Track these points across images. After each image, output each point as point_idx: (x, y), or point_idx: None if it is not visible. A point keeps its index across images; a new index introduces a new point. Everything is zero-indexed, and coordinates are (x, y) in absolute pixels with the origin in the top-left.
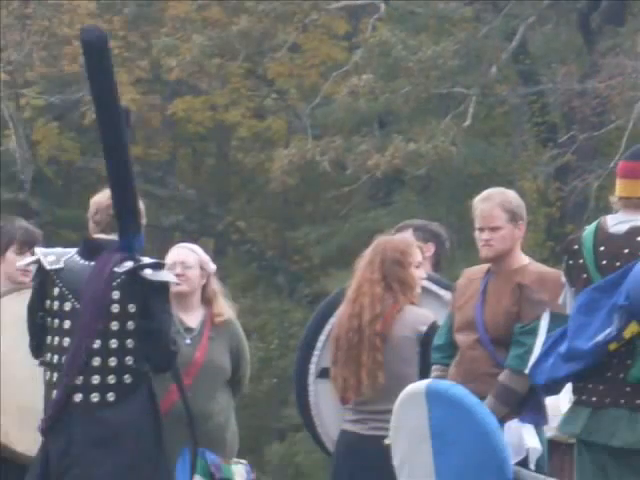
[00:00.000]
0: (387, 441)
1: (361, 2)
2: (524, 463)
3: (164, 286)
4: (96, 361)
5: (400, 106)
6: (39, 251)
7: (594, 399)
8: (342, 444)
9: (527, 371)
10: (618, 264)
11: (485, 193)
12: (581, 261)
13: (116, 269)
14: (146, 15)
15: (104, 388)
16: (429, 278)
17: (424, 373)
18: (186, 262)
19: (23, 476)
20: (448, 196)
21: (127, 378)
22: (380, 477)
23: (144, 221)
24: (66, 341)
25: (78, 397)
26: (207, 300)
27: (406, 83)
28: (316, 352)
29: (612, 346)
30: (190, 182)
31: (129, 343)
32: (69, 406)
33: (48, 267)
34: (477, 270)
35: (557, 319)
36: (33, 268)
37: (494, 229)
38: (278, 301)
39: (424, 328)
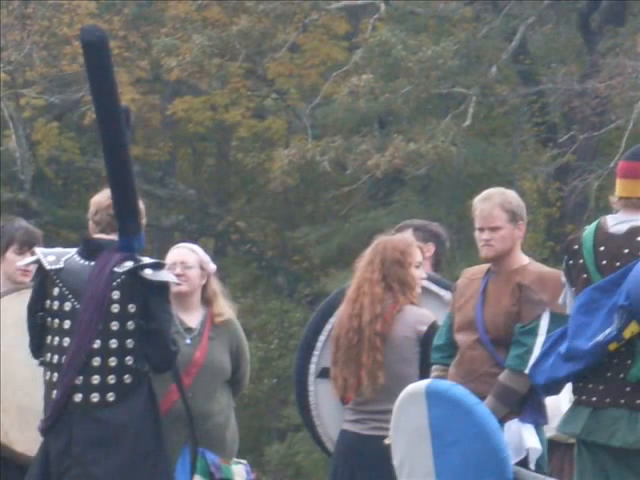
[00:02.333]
0: (387, 441)
1: (361, 2)
2: (524, 463)
3: (164, 286)
4: (96, 361)
5: (400, 106)
6: (39, 251)
7: (594, 399)
8: (342, 444)
9: (527, 371)
10: (618, 264)
11: (485, 193)
12: (581, 261)
13: (116, 269)
14: (146, 15)
15: (104, 388)
16: (429, 278)
17: (424, 373)
18: (186, 262)
19: (23, 476)
20: (448, 196)
21: (127, 378)
22: (380, 477)
23: (144, 221)
24: (66, 341)
25: (78, 397)
26: (207, 300)
27: (406, 83)
28: (316, 352)
29: (612, 346)
30: (190, 182)
31: (129, 343)
32: (69, 406)
33: (48, 267)
34: (477, 270)
35: (557, 319)
36: (33, 268)
37: (494, 229)
38: (278, 301)
39: (424, 328)
